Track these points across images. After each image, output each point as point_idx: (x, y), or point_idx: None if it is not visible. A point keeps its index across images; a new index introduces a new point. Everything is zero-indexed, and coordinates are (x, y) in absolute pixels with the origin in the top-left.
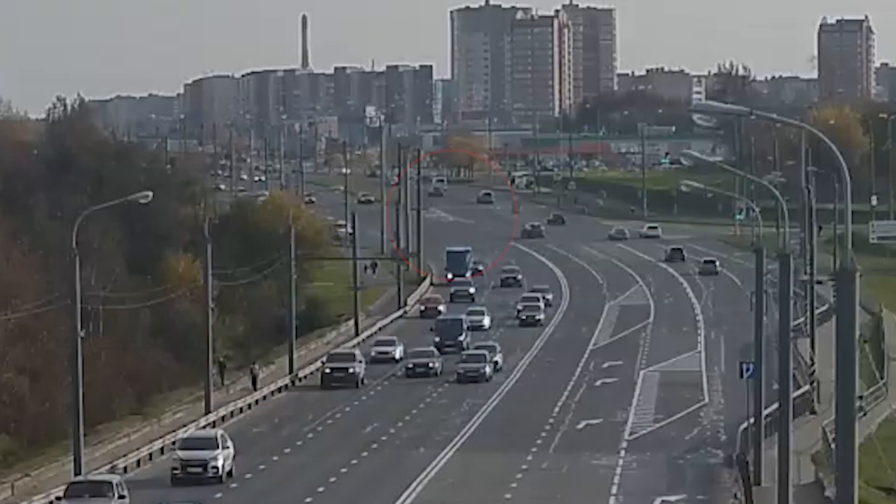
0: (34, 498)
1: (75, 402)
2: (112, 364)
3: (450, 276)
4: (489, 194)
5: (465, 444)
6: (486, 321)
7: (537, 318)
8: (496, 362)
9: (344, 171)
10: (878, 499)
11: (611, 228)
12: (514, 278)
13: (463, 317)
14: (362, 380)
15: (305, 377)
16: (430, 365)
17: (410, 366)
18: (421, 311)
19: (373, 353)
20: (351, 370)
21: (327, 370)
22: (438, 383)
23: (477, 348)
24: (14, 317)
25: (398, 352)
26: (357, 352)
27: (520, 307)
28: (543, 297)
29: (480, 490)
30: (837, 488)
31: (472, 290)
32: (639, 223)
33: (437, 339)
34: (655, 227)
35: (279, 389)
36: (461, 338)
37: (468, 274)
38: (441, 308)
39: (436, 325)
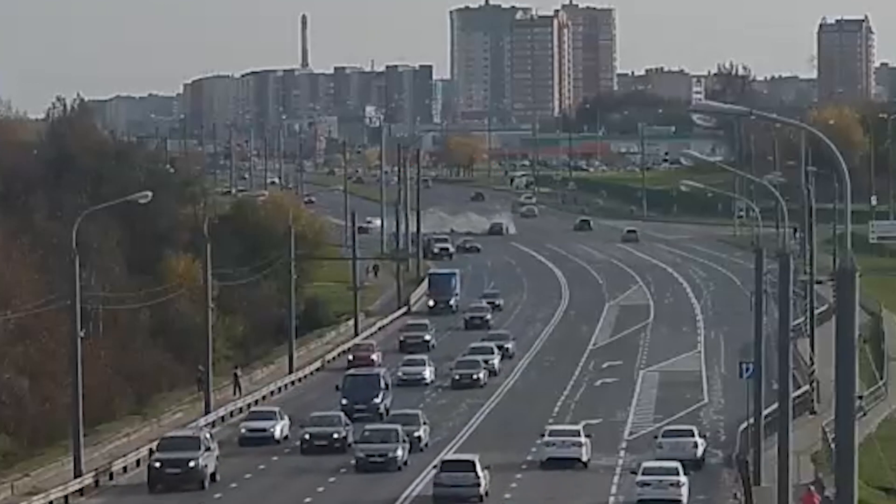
0: (34, 498)
1: (75, 402)
2: (112, 364)
3: (431, 303)
4: (426, 180)
5: (465, 444)
6: (428, 374)
7: (475, 377)
8: (418, 437)
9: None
10: (878, 499)
11: (521, 207)
12: (482, 318)
13: (380, 371)
14: (213, 475)
15: (119, 472)
16: (335, 436)
17: (307, 437)
18: (349, 362)
19: (242, 431)
20: (192, 463)
21: (156, 463)
22: (334, 470)
23: (392, 419)
24: (14, 317)
25: (279, 429)
26: (205, 434)
27: (457, 361)
28: (501, 347)
29: None
30: (837, 488)
31: (428, 336)
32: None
33: (343, 400)
34: (531, 200)
35: (274, 391)
36: (376, 399)
37: (453, 300)
38: (374, 357)
39: (343, 382)
